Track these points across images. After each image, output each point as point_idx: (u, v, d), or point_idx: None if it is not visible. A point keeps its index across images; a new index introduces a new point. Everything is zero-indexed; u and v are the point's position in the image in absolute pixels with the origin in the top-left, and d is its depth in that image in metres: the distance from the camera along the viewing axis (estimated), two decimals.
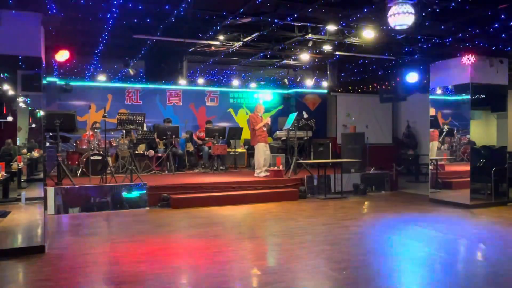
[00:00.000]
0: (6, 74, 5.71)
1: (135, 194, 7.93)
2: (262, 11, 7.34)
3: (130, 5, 6.70)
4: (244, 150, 12.54)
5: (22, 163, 6.81)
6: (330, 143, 12.14)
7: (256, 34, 8.61)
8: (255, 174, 9.84)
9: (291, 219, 6.99)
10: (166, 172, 10.59)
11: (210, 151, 11.12)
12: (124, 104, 12.32)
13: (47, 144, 8.89)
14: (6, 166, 7.03)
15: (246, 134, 12.41)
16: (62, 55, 8.36)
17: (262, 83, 13.76)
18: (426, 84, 9.99)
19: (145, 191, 8.00)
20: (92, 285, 4.11)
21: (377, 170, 10.73)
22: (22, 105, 5.80)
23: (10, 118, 8.61)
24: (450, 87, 8.85)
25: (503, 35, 7.92)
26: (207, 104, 13.43)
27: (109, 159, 10.04)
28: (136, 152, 10.51)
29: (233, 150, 11.71)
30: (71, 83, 11.63)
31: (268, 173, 9.73)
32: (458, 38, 8.47)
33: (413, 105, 13.27)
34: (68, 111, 10.23)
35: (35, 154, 6.22)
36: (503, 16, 6.96)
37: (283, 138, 12.10)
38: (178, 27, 8.08)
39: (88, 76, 11.71)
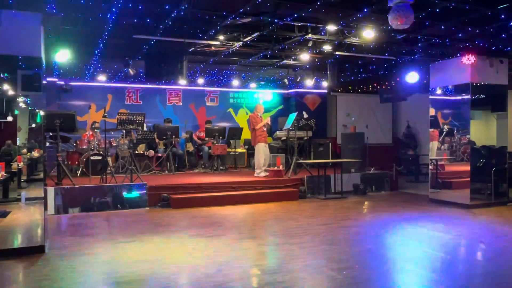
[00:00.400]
0: (6, 74, 5.71)
1: (135, 194, 7.93)
2: (262, 11, 7.33)
3: (130, 5, 6.70)
4: (244, 150, 12.54)
5: (22, 163, 6.82)
6: (330, 143, 12.14)
7: (256, 34, 8.61)
8: (255, 174, 9.84)
9: (291, 219, 6.99)
10: (166, 172, 10.59)
11: (210, 151, 11.12)
12: (124, 104, 12.32)
13: (47, 144, 8.89)
14: (6, 166, 7.03)
15: (246, 134, 12.42)
16: (62, 55, 8.36)
17: (262, 83, 13.76)
18: (426, 84, 9.99)
19: (145, 191, 8.00)
20: (92, 285, 4.11)
21: (377, 170, 10.73)
22: (22, 105, 5.80)
23: (10, 118, 8.60)
24: (450, 87, 8.85)
25: (503, 35, 7.92)
26: (207, 104, 13.43)
27: (109, 159, 10.04)
28: (136, 152, 10.52)
29: (233, 150, 11.71)
30: (71, 83, 11.63)
31: (267, 173, 9.73)
32: (458, 38, 8.47)
33: (413, 105, 13.28)
34: (68, 111, 10.23)
35: (35, 154, 6.22)
36: (503, 16, 6.96)
37: (283, 138, 12.10)
38: (178, 27, 8.08)
39: (88, 76, 11.71)
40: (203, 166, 11.45)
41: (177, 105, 13.01)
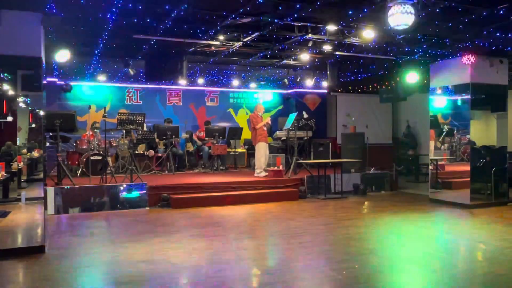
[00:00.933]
0: (6, 74, 5.71)
1: (135, 194, 7.93)
2: (262, 11, 7.33)
3: (130, 5, 6.69)
4: (244, 150, 12.54)
5: (22, 163, 6.82)
6: (330, 143, 12.14)
7: (256, 34, 8.60)
8: (255, 174, 9.84)
9: (291, 219, 6.99)
10: (166, 172, 10.60)
11: (210, 151, 11.13)
12: (124, 104, 12.33)
13: (47, 144, 8.89)
14: (6, 166, 7.03)
15: (246, 134, 12.42)
16: (62, 55, 8.35)
17: (262, 83, 13.75)
18: (426, 84, 9.99)
19: (145, 191, 8.00)
20: (92, 285, 4.11)
21: (377, 170, 10.73)
22: (22, 105, 5.80)
23: (10, 118, 8.60)
24: (450, 87, 8.85)
25: (503, 35, 7.91)
26: (207, 104, 13.43)
27: (109, 159, 10.04)
28: (136, 152, 10.51)
29: (233, 150, 11.71)
30: (71, 83, 11.63)
31: (267, 173, 9.73)
32: (458, 38, 8.47)
33: (413, 105, 13.28)
34: (68, 111, 10.23)
35: (35, 154, 6.22)
36: (503, 16, 6.95)
37: (283, 138, 12.10)
38: (178, 27, 8.07)
39: (88, 76, 11.71)
40: (203, 166, 11.45)
41: (177, 105, 13.01)
